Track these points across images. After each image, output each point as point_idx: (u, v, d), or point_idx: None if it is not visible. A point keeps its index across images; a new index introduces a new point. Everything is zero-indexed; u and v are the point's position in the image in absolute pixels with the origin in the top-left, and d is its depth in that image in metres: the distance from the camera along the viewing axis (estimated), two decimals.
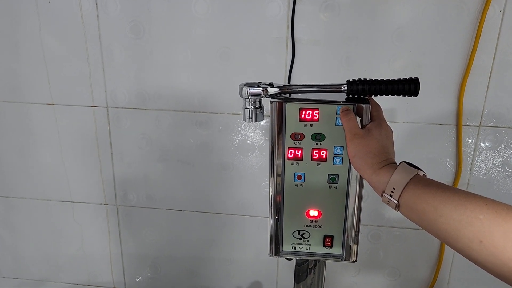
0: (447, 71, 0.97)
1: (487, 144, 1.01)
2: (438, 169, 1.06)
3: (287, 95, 0.67)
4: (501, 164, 1.02)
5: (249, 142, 1.11)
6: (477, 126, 1.00)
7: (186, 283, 1.32)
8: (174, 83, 1.08)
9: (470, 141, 1.01)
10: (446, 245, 1.10)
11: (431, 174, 1.04)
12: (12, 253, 1.38)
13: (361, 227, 1.12)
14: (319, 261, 0.82)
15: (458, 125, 0.99)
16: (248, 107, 0.67)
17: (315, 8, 0.96)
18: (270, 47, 1.01)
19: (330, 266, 1.22)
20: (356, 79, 0.64)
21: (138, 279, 1.34)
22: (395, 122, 1.02)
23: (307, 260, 0.82)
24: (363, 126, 0.63)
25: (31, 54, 1.11)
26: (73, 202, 1.26)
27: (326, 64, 1.00)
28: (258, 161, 1.12)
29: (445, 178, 1.06)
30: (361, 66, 0.99)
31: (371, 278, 1.22)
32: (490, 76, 0.95)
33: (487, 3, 0.89)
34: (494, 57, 0.94)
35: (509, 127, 0.99)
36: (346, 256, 0.72)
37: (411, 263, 1.17)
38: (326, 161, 0.66)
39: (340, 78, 0.64)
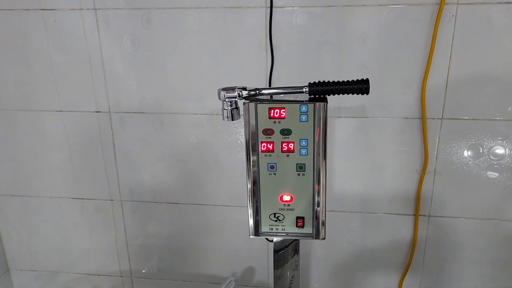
0: (410, 69, 1.07)
1: (449, 135, 1.11)
2: (407, 159, 1.15)
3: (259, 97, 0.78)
4: (462, 153, 1.12)
5: (239, 141, 1.22)
6: (440, 118, 1.10)
7: (186, 271, 1.42)
8: (169, 88, 1.19)
9: (434, 132, 1.11)
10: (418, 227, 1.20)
11: (401, 164, 1.16)
12: (28, 247, 1.48)
13: (340, 213, 1.23)
14: (295, 248, 0.93)
15: (422, 119, 1.10)
16: (226, 108, 0.78)
17: (290, 18, 1.07)
18: (252, 54, 1.12)
19: (311, 253, 1.33)
20: (316, 81, 0.75)
21: (144, 271, 1.45)
22: (366, 117, 1.12)
23: (284, 247, 0.92)
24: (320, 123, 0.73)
25: (41, 67, 1.21)
26: (82, 199, 1.37)
27: (301, 67, 1.11)
28: None
29: (414, 167, 1.16)
30: (332, 68, 1.10)
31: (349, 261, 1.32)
32: (448, 72, 1.06)
33: (440, 9, 0.99)
34: (450, 56, 1.04)
35: (467, 119, 1.09)
36: (316, 235, 0.83)
37: (386, 246, 1.27)
38: (294, 152, 0.76)
39: (314, 79, 0.75)
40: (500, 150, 1.11)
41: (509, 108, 1.07)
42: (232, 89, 0.76)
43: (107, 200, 1.35)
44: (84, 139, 1.29)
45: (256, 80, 1.14)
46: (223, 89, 0.76)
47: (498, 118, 1.08)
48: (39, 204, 1.40)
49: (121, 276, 1.47)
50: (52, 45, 1.19)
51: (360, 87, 0.73)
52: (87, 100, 1.24)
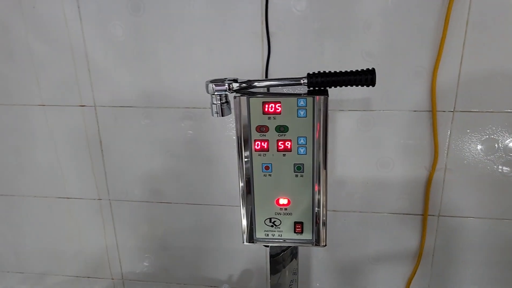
0: (419, 58, 0.98)
1: (461, 129, 1.03)
2: (416, 155, 1.08)
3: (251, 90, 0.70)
4: (476, 148, 1.04)
5: (234, 137, 1.14)
6: (451, 111, 1.01)
7: (180, 273, 1.37)
8: (160, 80, 1.11)
9: (445, 126, 1.03)
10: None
11: (409, 161, 1.08)
12: (14, 248, 1.43)
13: (342, 213, 1.16)
14: (293, 252, 0.86)
15: (432, 111, 1.01)
16: (215, 102, 0.70)
17: (288, 3, 0.98)
18: (248, 42, 1.04)
19: (311, 256, 1.25)
20: (316, 72, 0.66)
21: (137, 271, 1.39)
22: (371, 110, 1.04)
23: (281, 252, 0.86)
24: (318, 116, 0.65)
25: (20, 58, 1.14)
26: (68, 198, 1.30)
27: (300, 56, 1.03)
28: None
29: (423, 163, 1.08)
30: (334, 57, 1.01)
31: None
32: (461, 61, 0.97)
33: None
34: (464, 43, 0.95)
35: (482, 111, 1.01)
36: (316, 241, 0.75)
37: (392, 248, 1.20)
38: (291, 151, 0.69)
39: (315, 69, 0.67)
40: None
41: None
42: (222, 81, 0.69)
43: (95, 199, 1.29)
44: (68, 135, 1.22)
45: (252, 70, 1.06)
46: (212, 81, 0.69)
47: None
48: (24, 204, 1.35)
49: (112, 279, 1.41)
50: (32, 34, 1.12)
51: (365, 78, 0.65)
52: (70, 94, 1.17)
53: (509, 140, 1.02)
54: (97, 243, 1.36)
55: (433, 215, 1.13)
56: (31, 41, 1.12)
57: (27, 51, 1.13)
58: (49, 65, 1.14)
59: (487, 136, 1.03)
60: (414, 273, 1.19)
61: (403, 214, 1.14)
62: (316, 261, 1.26)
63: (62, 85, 1.16)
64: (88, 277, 1.43)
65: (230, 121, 1.13)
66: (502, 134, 1.02)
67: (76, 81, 1.14)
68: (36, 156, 1.27)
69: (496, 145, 1.03)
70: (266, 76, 1.05)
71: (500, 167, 1.05)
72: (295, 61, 1.04)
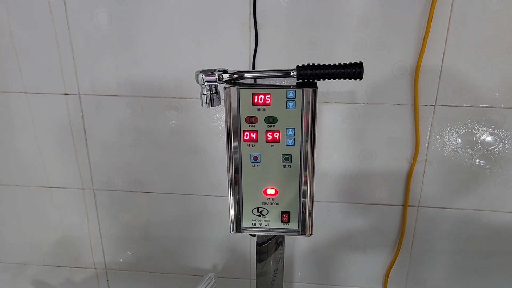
0: (403, 53, 1.01)
1: (442, 123, 1.06)
2: (398, 147, 1.10)
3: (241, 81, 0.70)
4: (455, 141, 1.08)
5: (220, 127, 1.15)
6: (433, 105, 1.05)
7: (164, 263, 1.37)
8: (145, 70, 1.11)
9: (426, 120, 1.06)
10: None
11: (391, 153, 1.11)
12: None
13: (326, 203, 1.18)
14: (278, 241, 0.88)
15: (415, 105, 1.04)
16: (205, 93, 0.71)
17: None
18: (235, 34, 1.04)
19: (294, 245, 1.28)
20: (305, 64, 0.68)
21: (121, 260, 1.38)
22: (356, 103, 1.06)
23: (267, 241, 0.87)
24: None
25: (2, 45, 1.11)
26: (51, 187, 1.28)
27: (289, 49, 1.03)
28: None
29: (405, 155, 1.11)
30: (323, 50, 1.03)
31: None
32: (443, 57, 1.00)
33: None
34: (446, 39, 0.98)
35: (461, 106, 1.04)
36: (302, 231, 0.77)
37: (373, 237, 1.24)
38: (279, 142, 0.70)
39: (301, 61, 0.68)
40: (493, 139, 1.06)
41: (496, 94, 1.02)
42: (212, 71, 0.69)
43: (78, 189, 1.27)
44: (52, 124, 1.20)
45: (239, 62, 1.07)
46: (202, 72, 0.69)
47: (492, 106, 1.03)
48: (5, 193, 1.32)
49: (95, 268, 1.40)
50: (14, 20, 1.09)
51: (354, 71, 0.66)
52: (54, 82, 1.14)
53: (486, 134, 1.06)
54: (79, 233, 1.35)
55: (413, 206, 1.16)
56: (14, 28, 1.09)
57: (9, 37, 1.10)
58: (32, 52, 1.12)
59: (465, 130, 1.06)
60: (394, 262, 1.23)
61: (384, 204, 1.18)
62: (298, 251, 1.29)
63: (45, 73, 1.13)
64: (70, 267, 1.41)
65: (216, 111, 1.13)
66: (479, 128, 1.06)
67: (60, 69, 1.12)
68: (18, 145, 1.24)
69: (474, 139, 1.07)
70: (253, 68, 1.05)
71: (477, 160, 1.09)
72: (282, 53, 1.05)
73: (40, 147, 1.23)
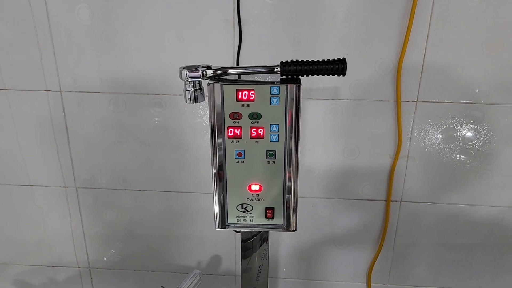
0: (385, 50, 1.02)
1: (424, 118, 1.08)
2: (381, 143, 1.12)
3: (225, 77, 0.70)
4: (436, 137, 1.10)
5: (205, 124, 1.14)
6: (414, 101, 1.06)
7: (149, 260, 1.36)
8: (128, 66, 1.09)
9: (408, 116, 1.08)
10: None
11: (374, 149, 1.12)
12: None
13: (310, 199, 1.19)
14: (263, 237, 0.88)
15: (397, 101, 1.05)
16: (189, 89, 0.70)
17: None
18: (219, 30, 1.03)
19: (278, 242, 1.28)
20: (289, 61, 0.68)
21: (105, 259, 1.37)
22: (339, 99, 1.07)
23: (252, 237, 0.87)
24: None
25: None
26: (32, 186, 1.26)
27: (273, 45, 1.03)
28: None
29: (387, 151, 1.12)
30: (306, 47, 1.03)
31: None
32: (424, 54, 1.01)
33: None
34: (427, 36, 1.00)
35: (442, 102, 1.06)
36: (286, 226, 0.77)
37: (357, 233, 1.25)
38: (263, 138, 0.70)
39: (284, 58, 0.68)
40: (473, 134, 1.08)
41: (476, 91, 1.04)
42: (196, 68, 0.69)
43: (60, 187, 1.25)
44: (32, 121, 1.18)
45: (223, 58, 1.06)
46: (185, 68, 0.69)
47: (472, 102, 1.05)
48: None
49: (78, 267, 1.39)
50: None
51: (337, 67, 0.67)
52: (34, 78, 1.12)
53: (466, 129, 1.08)
54: (62, 232, 1.33)
55: (396, 201, 1.18)
56: None
57: None
58: (11, 48, 1.09)
59: (446, 126, 1.08)
60: (377, 256, 1.25)
61: (368, 200, 1.19)
62: (283, 247, 1.29)
63: (25, 69, 1.11)
64: (53, 266, 1.39)
65: (200, 108, 1.13)
66: (460, 124, 1.08)
67: (40, 65, 1.10)
68: None
69: (455, 134, 1.09)
70: (237, 64, 1.05)
71: (458, 155, 1.11)
72: (266, 50, 1.05)
73: (21, 145, 1.21)
